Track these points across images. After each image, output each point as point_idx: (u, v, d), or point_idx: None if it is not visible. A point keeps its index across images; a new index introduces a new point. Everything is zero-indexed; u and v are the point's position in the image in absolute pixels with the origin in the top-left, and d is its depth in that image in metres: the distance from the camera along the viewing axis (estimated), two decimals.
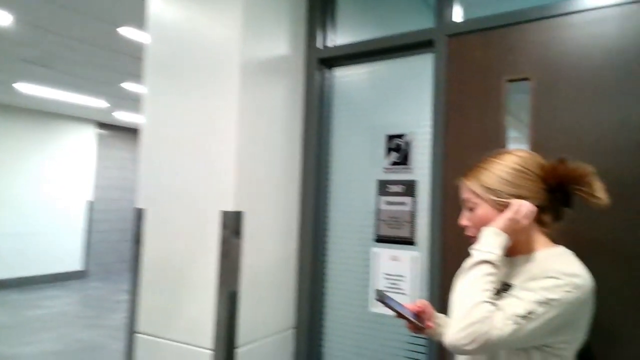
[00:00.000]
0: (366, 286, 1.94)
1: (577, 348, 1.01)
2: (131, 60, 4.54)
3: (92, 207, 8.11)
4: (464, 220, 1.13)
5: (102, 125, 8.31)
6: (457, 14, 1.78)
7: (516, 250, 1.07)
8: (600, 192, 1.01)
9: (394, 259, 1.89)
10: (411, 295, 1.82)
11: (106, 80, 5.46)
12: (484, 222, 1.06)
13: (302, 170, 2.08)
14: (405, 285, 1.85)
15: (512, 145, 1.60)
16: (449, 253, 1.69)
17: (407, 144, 1.90)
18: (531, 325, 0.90)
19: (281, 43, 1.99)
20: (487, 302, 0.92)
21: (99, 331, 5.14)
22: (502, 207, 1.05)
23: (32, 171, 7.33)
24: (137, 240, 1.96)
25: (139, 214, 1.97)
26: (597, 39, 1.48)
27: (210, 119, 1.80)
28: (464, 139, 1.69)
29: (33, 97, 6.39)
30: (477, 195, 1.08)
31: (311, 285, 2.03)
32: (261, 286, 1.86)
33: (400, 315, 1.21)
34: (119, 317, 5.63)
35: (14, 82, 5.66)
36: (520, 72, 1.60)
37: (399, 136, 1.92)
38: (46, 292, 6.81)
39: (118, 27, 3.75)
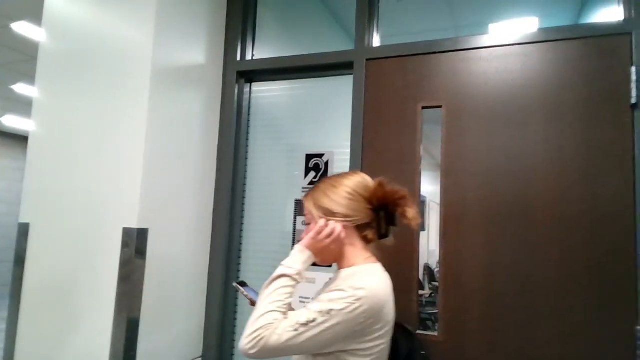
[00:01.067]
0: None
1: (380, 356, 1.04)
2: (26, 60, 4.11)
3: None
4: (304, 234, 1.16)
5: None
6: (376, 40, 1.83)
7: (340, 264, 1.14)
8: (410, 214, 1.09)
9: (310, 281, 1.85)
10: None
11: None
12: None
13: (216, 187, 1.97)
14: None
15: (424, 168, 1.65)
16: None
17: (326, 164, 1.88)
18: (310, 332, 0.95)
19: (198, 51, 1.89)
20: (275, 311, 0.99)
21: None
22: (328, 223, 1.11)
23: None
24: (19, 260, 1.71)
25: (23, 230, 1.73)
26: (501, 73, 1.58)
27: (115, 126, 1.64)
28: (381, 161, 1.71)
29: None
30: (310, 213, 1.14)
31: (221, 311, 1.91)
32: (166, 312, 1.70)
33: (253, 304, 1.27)
34: None
35: None
36: (434, 100, 1.66)
37: (318, 155, 1.90)
38: None
39: (12, 22, 3.38)
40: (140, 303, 1.56)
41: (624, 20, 1.48)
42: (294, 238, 1.89)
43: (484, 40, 1.62)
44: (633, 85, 1.41)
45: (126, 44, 1.67)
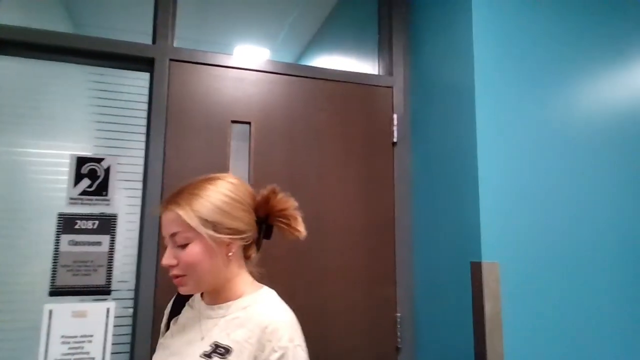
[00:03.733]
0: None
1: None
2: None
3: None
4: (170, 259, 0.92)
5: None
6: (177, 41, 1.69)
7: (221, 297, 0.96)
8: (301, 226, 0.99)
9: (79, 315, 1.48)
10: None
11: None
12: (197, 262, 0.91)
13: None
14: (93, 348, 1.47)
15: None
16: (163, 301, 1.48)
17: (107, 170, 1.57)
18: None
19: None
20: None
21: None
22: (218, 244, 0.92)
23: None
24: None
25: None
26: (282, 97, 1.75)
27: None
28: (186, 172, 1.57)
29: None
30: (191, 229, 0.90)
31: None
32: None
33: None
34: None
35: None
36: (243, 115, 1.66)
37: (96, 160, 1.56)
38: None
39: None
40: None
41: (388, 75, 1.90)
42: (55, 261, 1.48)
43: (290, 67, 1.75)
44: (394, 128, 1.83)
45: None
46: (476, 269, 1.42)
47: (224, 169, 1.61)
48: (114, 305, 1.50)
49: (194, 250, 0.90)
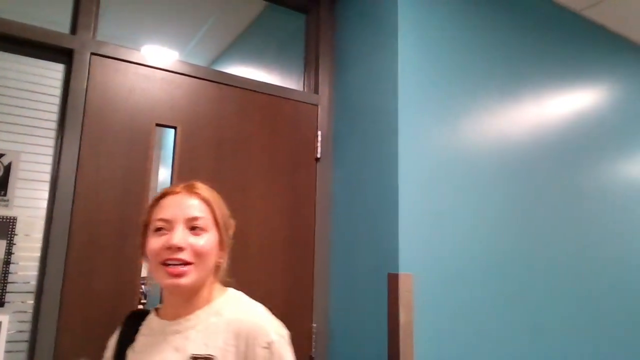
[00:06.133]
0: None
1: None
2: None
3: None
4: (183, 241, 0.89)
5: None
6: (99, 34, 1.58)
7: (189, 307, 0.93)
8: None
9: None
10: None
11: None
12: (210, 252, 0.92)
13: None
14: None
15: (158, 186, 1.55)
16: (73, 315, 1.36)
17: (8, 167, 1.41)
18: None
19: None
20: None
21: None
22: (224, 245, 0.97)
23: None
24: None
25: None
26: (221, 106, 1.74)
27: None
28: (102, 174, 1.46)
29: None
30: (212, 220, 0.94)
31: None
32: None
33: None
34: None
35: None
36: (169, 118, 1.60)
37: None
38: None
39: None
40: None
41: (313, 93, 1.96)
42: None
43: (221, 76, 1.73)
44: (318, 145, 1.90)
45: None
46: (393, 280, 1.52)
47: (145, 173, 1.53)
48: (7, 319, 1.33)
49: (211, 239, 0.92)
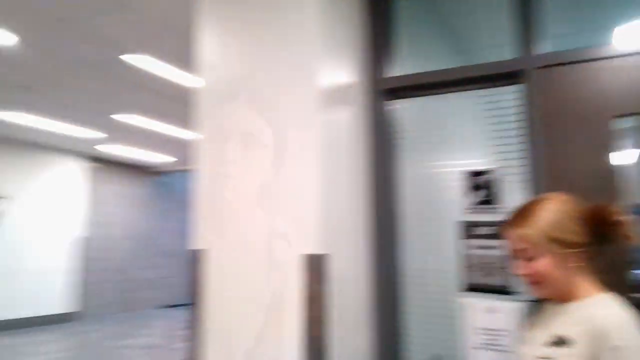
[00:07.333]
0: (454, 341, 1.75)
1: None
2: (130, 90, 4.33)
3: (87, 244, 7.65)
4: (520, 269, 1.08)
5: (95, 159, 7.82)
6: (544, 46, 1.66)
7: (565, 299, 1.07)
8: (630, 232, 1.01)
9: (490, 310, 1.71)
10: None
11: (101, 111, 5.22)
12: (545, 272, 1.04)
13: (374, 210, 1.87)
14: (507, 342, 1.66)
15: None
16: None
17: (494, 181, 1.75)
18: None
19: (344, 71, 1.82)
20: None
21: None
22: (560, 256, 1.03)
23: (17, 205, 6.85)
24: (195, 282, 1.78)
25: (196, 256, 1.78)
26: None
27: (288, 157, 1.66)
28: (566, 177, 1.55)
29: (18, 127, 5.97)
30: (536, 245, 1.04)
31: (390, 329, 1.83)
32: (344, 332, 1.65)
33: None
34: None
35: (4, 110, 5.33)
36: (627, 107, 1.48)
37: (481, 173, 1.77)
38: (37, 337, 6.33)
39: (122, 54, 3.53)
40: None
41: None
42: (465, 264, 1.76)
43: None
44: None
45: (287, 73, 1.67)
46: None
47: (605, 170, 1.47)
48: (516, 305, 1.64)
49: (541, 262, 1.05)
